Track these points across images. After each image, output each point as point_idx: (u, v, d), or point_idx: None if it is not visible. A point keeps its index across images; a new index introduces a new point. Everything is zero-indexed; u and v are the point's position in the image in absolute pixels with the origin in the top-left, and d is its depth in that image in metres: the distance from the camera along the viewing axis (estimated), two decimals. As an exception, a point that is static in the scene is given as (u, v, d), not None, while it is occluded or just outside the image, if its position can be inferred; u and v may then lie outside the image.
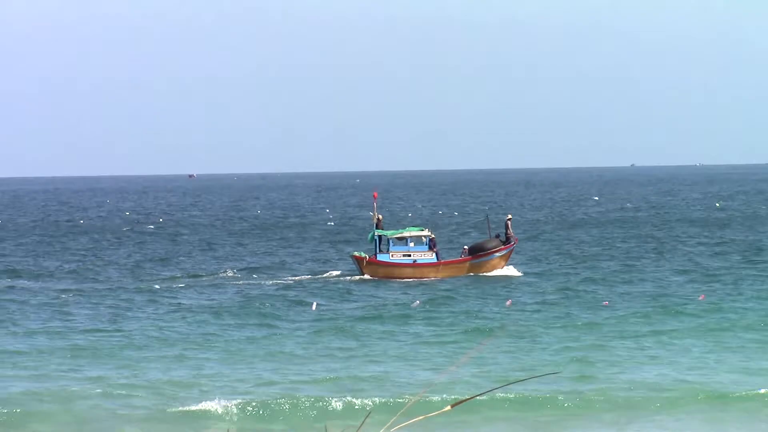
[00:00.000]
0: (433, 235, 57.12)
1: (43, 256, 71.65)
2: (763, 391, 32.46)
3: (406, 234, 57.07)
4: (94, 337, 41.36)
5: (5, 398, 32.69)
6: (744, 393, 32.37)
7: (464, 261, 56.38)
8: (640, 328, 41.77)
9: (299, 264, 65.86)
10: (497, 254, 56.56)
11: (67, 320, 44.81)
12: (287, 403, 32.02)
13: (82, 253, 74.29)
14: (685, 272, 57.18)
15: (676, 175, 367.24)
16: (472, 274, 55.70)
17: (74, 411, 31.85)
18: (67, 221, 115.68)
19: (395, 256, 55.54)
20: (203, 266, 65.35)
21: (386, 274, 54.94)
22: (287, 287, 54.28)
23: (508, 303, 47.05)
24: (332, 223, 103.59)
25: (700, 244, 73.39)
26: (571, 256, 67.21)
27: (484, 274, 55.59)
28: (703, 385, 33.17)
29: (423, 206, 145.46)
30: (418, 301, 47.14)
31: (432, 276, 55.10)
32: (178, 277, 59.26)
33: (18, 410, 31.62)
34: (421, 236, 56.60)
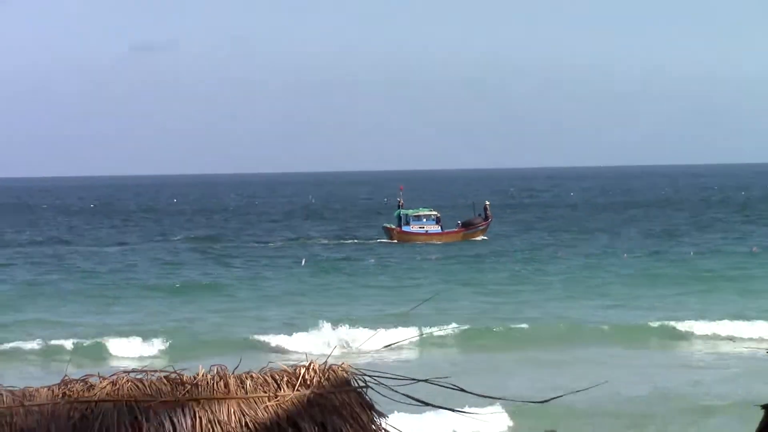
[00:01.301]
0: (438, 214, 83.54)
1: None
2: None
3: (420, 213, 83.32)
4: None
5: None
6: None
7: (459, 232, 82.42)
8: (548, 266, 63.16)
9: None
10: (480, 227, 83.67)
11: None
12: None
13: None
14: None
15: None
16: (463, 239, 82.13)
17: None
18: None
19: (414, 227, 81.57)
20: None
21: (408, 239, 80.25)
22: (343, 246, 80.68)
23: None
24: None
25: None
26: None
27: (472, 239, 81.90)
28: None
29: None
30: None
31: (437, 241, 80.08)
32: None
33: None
34: (430, 214, 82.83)
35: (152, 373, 8.84)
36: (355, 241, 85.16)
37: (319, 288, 54.71)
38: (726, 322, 39.94)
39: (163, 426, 8.54)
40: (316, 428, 8.58)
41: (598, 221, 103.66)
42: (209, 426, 8.56)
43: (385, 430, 8.76)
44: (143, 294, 52.67)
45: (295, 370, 8.69)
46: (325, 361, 8.69)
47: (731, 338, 37.82)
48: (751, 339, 37.65)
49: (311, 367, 8.64)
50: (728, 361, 34.85)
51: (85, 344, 37.92)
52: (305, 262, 65.34)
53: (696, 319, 40.71)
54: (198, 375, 8.84)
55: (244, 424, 8.58)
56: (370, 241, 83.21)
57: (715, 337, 38.98)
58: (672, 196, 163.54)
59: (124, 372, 8.92)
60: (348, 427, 8.63)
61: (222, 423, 8.54)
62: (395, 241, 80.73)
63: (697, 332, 39.33)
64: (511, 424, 26.18)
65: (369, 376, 8.70)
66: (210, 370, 8.83)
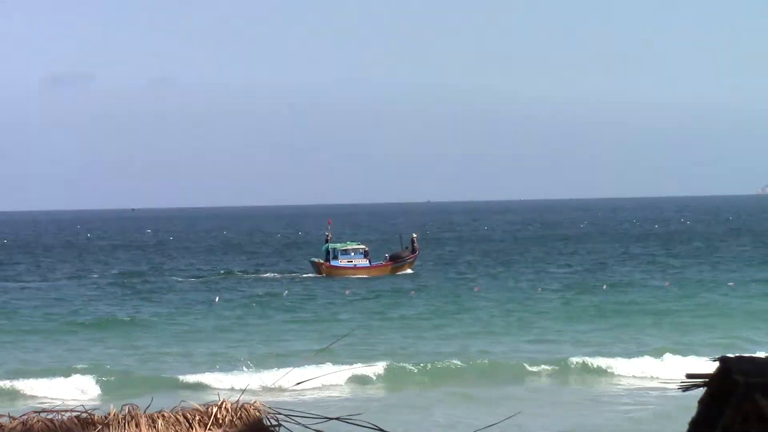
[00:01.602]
0: (367, 248, 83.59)
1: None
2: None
3: (349, 247, 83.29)
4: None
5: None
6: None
7: (387, 265, 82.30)
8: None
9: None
10: (408, 260, 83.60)
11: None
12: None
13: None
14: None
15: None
16: (391, 273, 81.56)
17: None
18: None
19: (342, 262, 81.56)
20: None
21: (336, 273, 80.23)
22: (268, 281, 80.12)
23: (476, 289, 68.46)
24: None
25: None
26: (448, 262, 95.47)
27: (399, 273, 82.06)
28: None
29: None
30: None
31: (365, 275, 79.94)
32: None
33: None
34: (359, 248, 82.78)
35: (63, 413, 8.76)
36: (279, 275, 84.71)
37: (238, 324, 54.30)
38: (647, 358, 40.25)
39: None
40: None
41: (521, 255, 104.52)
42: None
43: None
44: (61, 330, 52.17)
45: (207, 409, 8.67)
46: (238, 400, 8.65)
47: (648, 375, 38.26)
48: (665, 374, 37.86)
49: (223, 405, 8.61)
50: (645, 398, 35.16)
51: (-2, 383, 37.31)
52: (219, 299, 64.73)
53: (613, 356, 40.99)
54: (109, 414, 8.83)
55: None
56: (298, 275, 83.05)
57: (631, 373, 39.28)
58: (591, 230, 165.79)
59: (35, 412, 8.83)
60: None
61: None
62: (323, 275, 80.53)
63: (614, 367, 39.60)
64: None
65: (282, 414, 8.64)
66: (122, 410, 8.77)
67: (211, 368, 39.09)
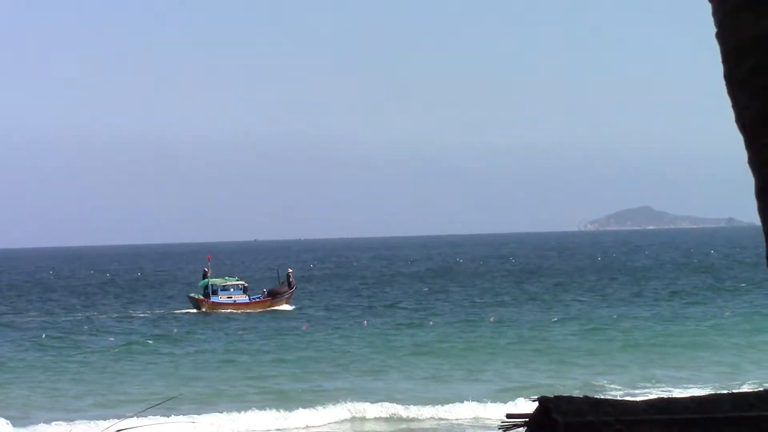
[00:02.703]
0: (246, 284, 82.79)
1: None
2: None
3: (228, 283, 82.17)
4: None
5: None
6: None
7: (266, 301, 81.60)
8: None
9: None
10: (286, 295, 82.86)
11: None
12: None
13: None
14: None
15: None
16: (270, 308, 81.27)
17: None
18: None
19: (222, 297, 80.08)
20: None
21: (216, 309, 79.01)
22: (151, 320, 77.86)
23: (304, 327, 67.53)
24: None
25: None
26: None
27: (277, 308, 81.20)
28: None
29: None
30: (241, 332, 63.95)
31: (246, 310, 78.83)
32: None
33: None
34: (238, 284, 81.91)
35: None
36: (160, 311, 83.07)
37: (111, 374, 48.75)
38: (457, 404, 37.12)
39: None
40: None
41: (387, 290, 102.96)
42: None
43: None
44: None
45: None
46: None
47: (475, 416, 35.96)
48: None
49: None
50: None
51: None
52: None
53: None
54: None
55: None
56: (176, 312, 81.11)
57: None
58: (455, 266, 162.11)
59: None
60: None
61: None
62: (204, 310, 79.00)
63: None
64: None
65: None
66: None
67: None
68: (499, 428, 9.22)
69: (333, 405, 37.25)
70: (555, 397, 9.17)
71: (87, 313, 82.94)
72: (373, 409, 37.01)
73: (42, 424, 34.87)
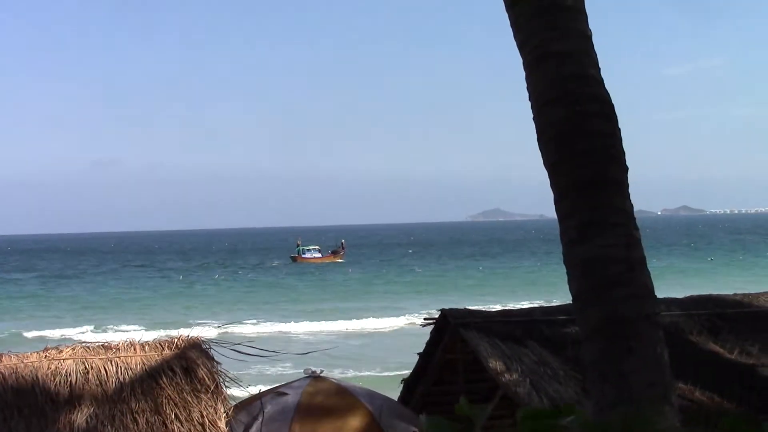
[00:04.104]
0: (319, 247, 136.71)
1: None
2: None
3: (310, 247, 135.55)
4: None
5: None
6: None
7: (330, 256, 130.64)
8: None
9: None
10: (341, 253, 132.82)
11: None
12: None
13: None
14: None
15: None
16: (333, 261, 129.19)
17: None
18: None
19: (307, 255, 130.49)
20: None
21: (304, 261, 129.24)
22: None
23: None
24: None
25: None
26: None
27: (338, 260, 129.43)
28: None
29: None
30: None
31: (320, 261, 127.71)
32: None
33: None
34: (315, 248, 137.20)
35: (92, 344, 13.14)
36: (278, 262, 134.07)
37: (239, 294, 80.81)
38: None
39: (102, 371, 12.88)
40: (181, 369, 13.09)
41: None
42: (124, 370, 12.98)
43: (220, 371, 13.17)
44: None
45: (173, 339, 13.34)
46: (188, 335, 13.46)
47: (411, 322, 52.74)
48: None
49: (180, 338, 13.42)
50: (407, 332, 49.16)
51: None
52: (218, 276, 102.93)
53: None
54: (120, 344, 13.20)
55: (144, 369, 13.03)
56: (279, 264, 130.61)
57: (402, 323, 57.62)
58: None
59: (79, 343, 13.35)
60: (198, 369, 13.08)
61: (132, 369, 13.00)
62: (297, 262, 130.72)
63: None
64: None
65: (212, 341, 13.41)
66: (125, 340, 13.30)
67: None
68: (421, 325, 15.45)
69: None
70: (450, 309, 14.67)
71: (226, 263, 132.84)
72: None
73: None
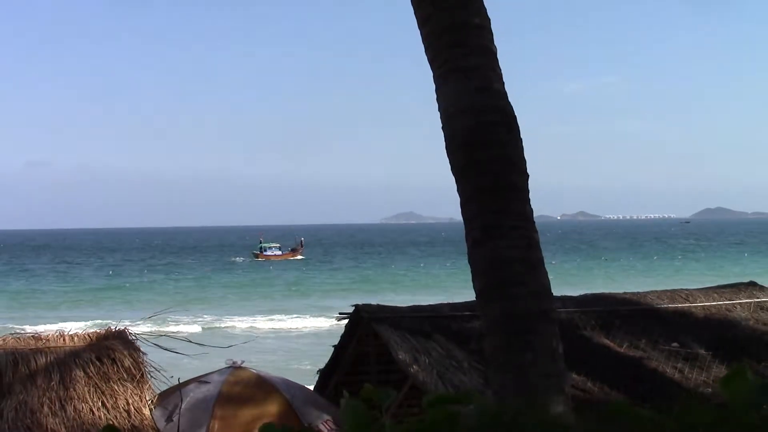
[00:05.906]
0: (279, 245, 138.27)
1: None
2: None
3: (271, 245, 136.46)
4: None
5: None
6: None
7: (289, 254, 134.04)
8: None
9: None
10: (300, 251, 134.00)
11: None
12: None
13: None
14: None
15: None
16: (292, 258, 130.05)
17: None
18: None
19: (268, 252, 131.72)
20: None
21: (266, 258, 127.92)
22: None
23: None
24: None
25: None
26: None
27: (296, 258, 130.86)
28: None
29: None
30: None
31: (280, 259, 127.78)
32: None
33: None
34: (276, 245, 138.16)
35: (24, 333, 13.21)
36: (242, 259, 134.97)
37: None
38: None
39: (32, 361, 12.71)
40: (108, 359, 13.09)
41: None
42: (53, 360, 12.78)
43: (145, 362, 13.13)
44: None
45: (101, 331, 13.39)
46: (116, 327, 13.50)
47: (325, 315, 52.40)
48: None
49: (107, 329, 13.50)
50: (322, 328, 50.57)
51: None
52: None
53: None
54: (50, 335, 13.02)
55: (72, 359, 12.89)
56: (242, 260, 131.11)
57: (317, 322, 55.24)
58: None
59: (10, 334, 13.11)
60: (125, 359, 13.07)
61: (60, 359, 12.89)
62: (260, 259, 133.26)
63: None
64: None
65: (139, 334, 13.44)
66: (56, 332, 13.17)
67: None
68: (336, 319, 15.40)
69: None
70: (364, 304, 14.82)
71: (191, 259, 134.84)
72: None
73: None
